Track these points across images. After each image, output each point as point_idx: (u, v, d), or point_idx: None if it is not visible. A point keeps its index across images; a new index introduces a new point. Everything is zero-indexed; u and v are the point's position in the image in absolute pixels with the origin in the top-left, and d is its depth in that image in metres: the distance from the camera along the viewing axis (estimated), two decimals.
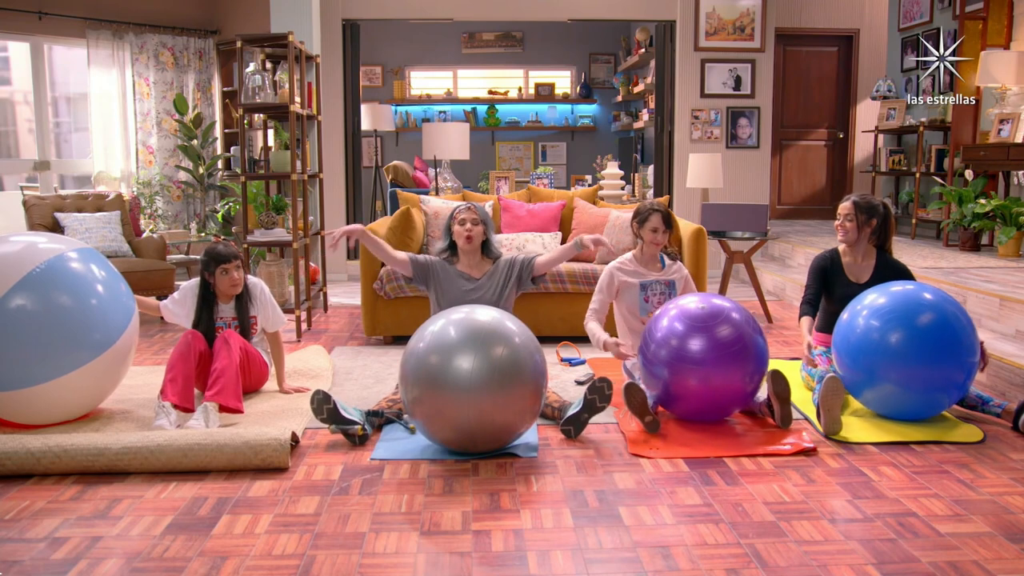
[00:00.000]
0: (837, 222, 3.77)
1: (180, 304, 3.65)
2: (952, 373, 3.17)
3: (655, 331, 3.30)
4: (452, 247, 3.70)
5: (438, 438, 2.93)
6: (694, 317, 3.21)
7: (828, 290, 3.79)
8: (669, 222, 3.87)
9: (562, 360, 4.40)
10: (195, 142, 7.52)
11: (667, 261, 3.94)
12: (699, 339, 3.16)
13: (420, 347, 2.88)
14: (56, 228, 5.73)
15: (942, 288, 4.67)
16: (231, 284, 3.56)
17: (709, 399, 3.22)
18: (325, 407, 3.08)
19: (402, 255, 3.63)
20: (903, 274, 3.76)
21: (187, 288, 3.66)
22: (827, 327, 3.78)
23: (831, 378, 3.18)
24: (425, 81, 10.44)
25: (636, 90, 9.29)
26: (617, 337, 3.87)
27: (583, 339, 4.82)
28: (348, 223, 7.46)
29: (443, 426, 2.86)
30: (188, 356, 3.36)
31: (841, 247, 3.84)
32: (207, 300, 3.58)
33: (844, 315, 3.40)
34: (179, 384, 3.28)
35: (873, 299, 3.30)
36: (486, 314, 2.96)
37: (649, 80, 8.55)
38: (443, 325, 2.91)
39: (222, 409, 3.23)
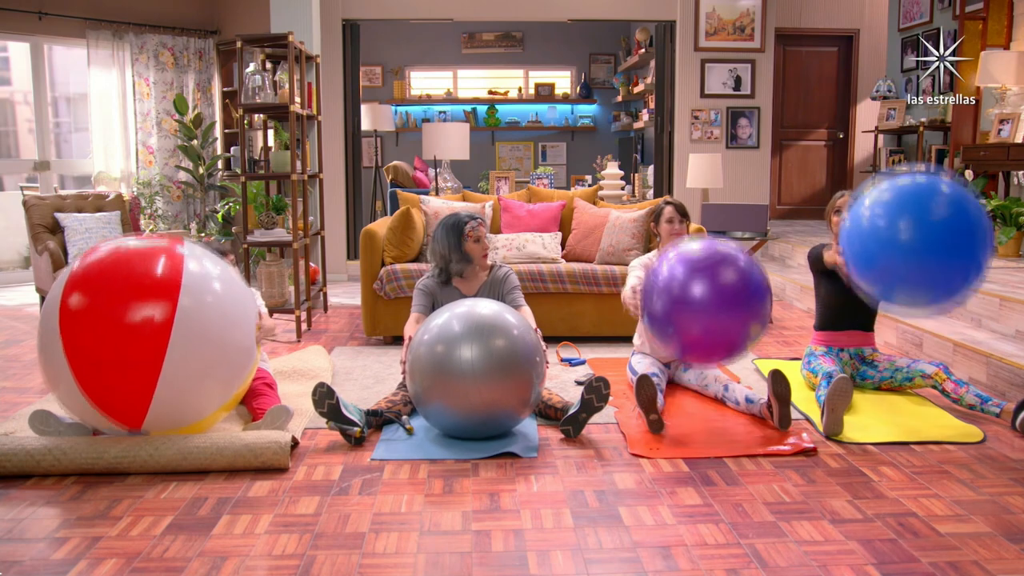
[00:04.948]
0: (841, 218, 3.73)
1: None
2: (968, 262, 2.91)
3: (657, 277, 3.17)
4: (467, 262, 3.63)
5: (441, 423, 3.07)
6: (694, 260, 3.09)
7: (831, 278, 3.74)
8: (683, 212, 3.96)
9: (562, 360, 4.39)
10: (195, 142, 7.52)
11: None
12: (700, 282, 3.02)
13: (426, 339, 3.03)
14: (56, 228, 5.73)
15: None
16: None
17: (712, 341, 3.08)
18: (327, 402, 3.07)
19: (421, 317, 3.57)
20: None
21: None
22: (827, 325, 3.77)
23: (842, 378, 3.17)
24: (425, 81, 10.44)
25: (636, 90, 9.29)
26: (637, 335, 3.92)
27: (583, 339, 4.82)
28: (348, 223, 7.48)
29: (446, 411, 3.00)
30: None
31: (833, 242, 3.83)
32: None
33: (845, 218, 3.18)
34: None
35: (877, 193, 3.06)
36: (487, 307, 3.09)
37: (649, 80, 8.55)
38: (447, 318, 3.05)
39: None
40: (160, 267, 2.81)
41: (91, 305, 2.73)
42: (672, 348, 3.18)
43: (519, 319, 3.12)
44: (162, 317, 2.72)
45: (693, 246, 3.18)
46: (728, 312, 3.01)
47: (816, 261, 3.73)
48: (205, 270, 2.92)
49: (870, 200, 3.07)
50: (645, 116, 8.73)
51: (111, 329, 2.70)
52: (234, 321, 2.96)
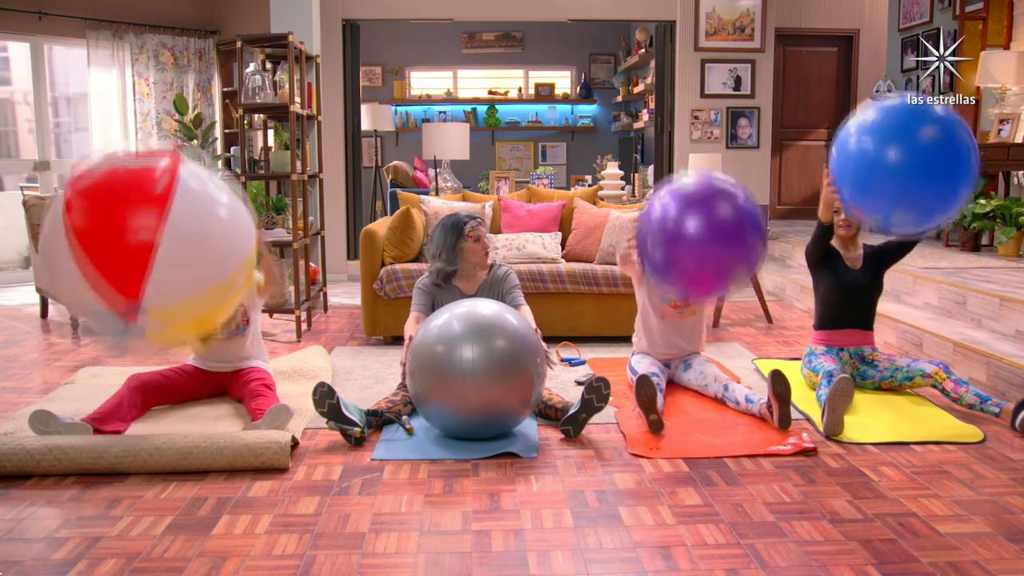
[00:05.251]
0: (839, 217, 3.73)
1: None
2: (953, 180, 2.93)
3: (650, 215, 3.11)
4: (455, 264, 3.62)
5: (441, 423, 3.07)
6: (687, 194, 3.06)
7: (832, 271, 3.73)
8: None
9: (562, 360, 4.39)
10: (195, 142, 7.51)
11: None
12: (694, 216, 2.99)
13: (426, 339, 3.04)
14: None
15: (942, 288, 4.68)
16: None
17: (708, 275, 3.05)
18: (327, 402, 3.07)
19: (420, 316, 3.57)
20: (897, 244, 3.69)
21: None
22: (827, 324, 3.77)
23: (843, 378, 3.17)
24: (425, 81, 10.45)
25: (636, 90, 9.29)
26: (636, 334, 3.91)
27: (583, 339, 4.82)
28: (348, 223, 7.48)
29: (446, 411, 3.00)
30: (145, 390, 3.32)
31: (834, 241, 3.83)
32: None
33: (833, 151, 3.19)
34: (114, 411, 3.16)
35: (862, 119, 3.06)
36: (487, 307, 3.09)
37: (649, 80, 8.55)
38: (447, 318, 3.05)
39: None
40: (158, 168, 2.80)
41: (92, 185, 2.66)
42: (677, 290, 3.16)
43: (519, 319, 3.12)
44: (158, 198, 2.69)
45: (686, 181, 3.16)
46: (726, 239, 2.97)
47: (813, 246, 3.71)
48: (201, 174, 2.94)
49: (856, 125, 3.05)
50: (645, 116, 8.73)
51: (110, 207, 2.62)
52: (230, 213, 2.97)
